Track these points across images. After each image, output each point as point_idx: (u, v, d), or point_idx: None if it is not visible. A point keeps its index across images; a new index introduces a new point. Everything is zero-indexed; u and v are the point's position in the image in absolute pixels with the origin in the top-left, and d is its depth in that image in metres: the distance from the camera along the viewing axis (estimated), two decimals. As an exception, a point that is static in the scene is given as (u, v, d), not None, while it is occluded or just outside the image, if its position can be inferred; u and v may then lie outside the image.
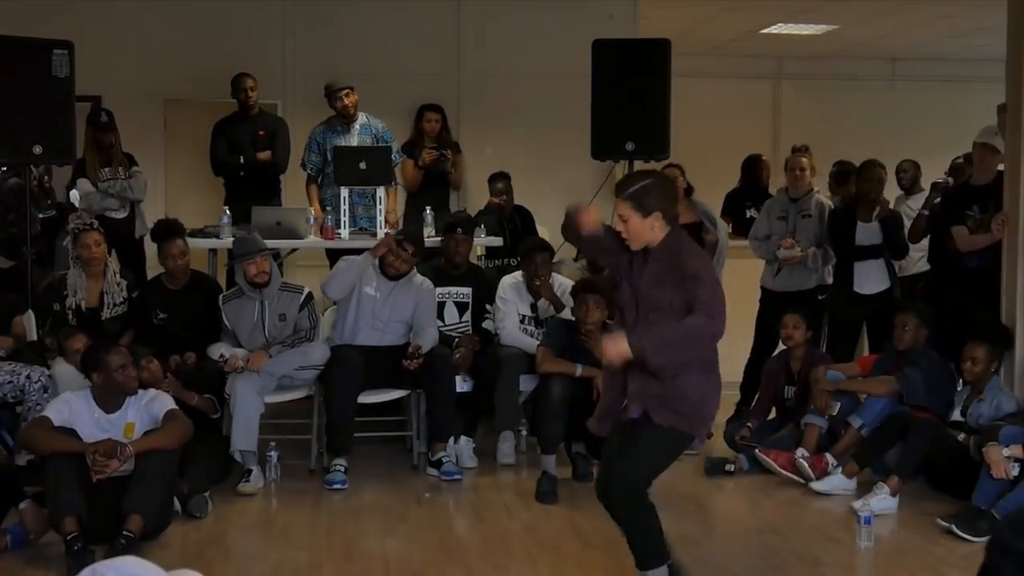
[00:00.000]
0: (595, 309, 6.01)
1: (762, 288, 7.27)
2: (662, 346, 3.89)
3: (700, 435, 4.17)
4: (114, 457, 4.81)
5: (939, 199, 7.13)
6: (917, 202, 7.98)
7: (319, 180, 7.79)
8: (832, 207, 7.22)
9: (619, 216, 4.01)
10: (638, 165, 7.37)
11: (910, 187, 8.21)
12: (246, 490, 5.82)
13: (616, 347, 3.88)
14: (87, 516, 4.72)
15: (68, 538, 4.65)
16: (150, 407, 5.14)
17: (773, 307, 7.02)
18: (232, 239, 6.97)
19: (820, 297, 7.12)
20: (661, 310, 3.95)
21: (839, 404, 6.16)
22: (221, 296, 6.42)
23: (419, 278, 6.49)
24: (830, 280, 7.15)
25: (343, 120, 7.70)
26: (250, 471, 5.88)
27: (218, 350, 6.07)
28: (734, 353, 7.38)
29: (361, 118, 7.75)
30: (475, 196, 8.58)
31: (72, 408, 5.04)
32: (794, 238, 7.01)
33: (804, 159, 7.15)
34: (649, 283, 3.99)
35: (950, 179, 7.48)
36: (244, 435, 5.88)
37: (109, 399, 5.09)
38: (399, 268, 6.33)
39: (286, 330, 6.24)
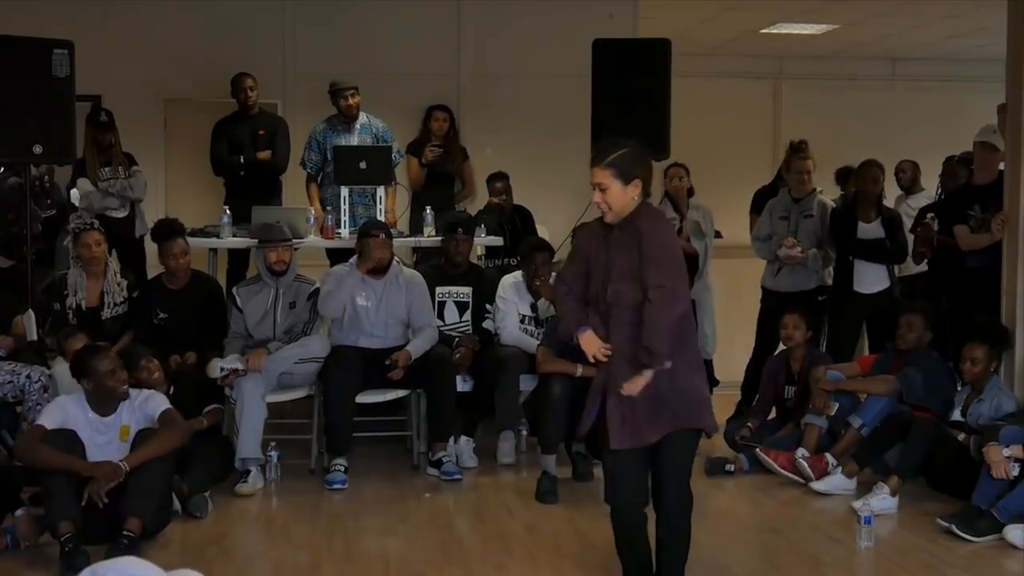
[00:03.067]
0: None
1: (763, 288, 7.28)
2: (651, 341, 3.86)
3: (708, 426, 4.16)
4: (114, 480, 4.81)
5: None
6: (917, 201, 7.99)
7: (319, 179, 7.80)
8: (833, 207, 7.23)
9: (597, 185, 3.95)
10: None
11: (909, 187, 8.22)
12: (244, 491, 5.82)
13: (636, 386, 3.90)
14: (83, 521, 4.72)
15: (62, 539, 4.65)
16: (144, 407, 5.14)
17: (774, 307, 7.02)
18: (232, 238, 7.02)
19: (821, 298, 7.12)
20: (624, 282, 3.91)
21: (837, 404, 6.17)
22: (237, 285, 6.52)
23: (407, 272, 6.49)
24: (831, 281, 7.15)
25: (344, 120, 7.70)
26: (248, 471, 5.89)
27: (217, 366, 6.04)
28: (735, 353, 7.40)
29: (362, 118, 7.75)
30: (478, 197, 8.57)
31: (67, 413, 5.03)
32: (795, 238, 7.02)
33: (808, 162, 7.15)
34: (613, 258, 3.95)
35: (935, 224, 7.36)
36: (250, 443, 5.90)
37: (103, 403, 5.09)
38: (384, 255, 6.31)
39: (294, 317, 6.29)
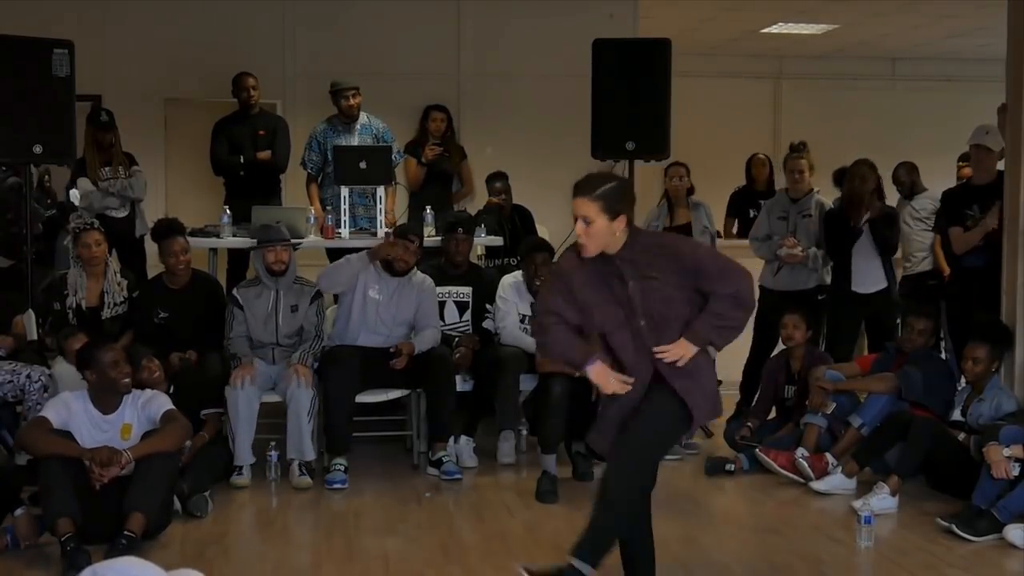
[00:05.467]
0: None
1: (761, 287, 7.26)
2: (720, 328, 3.95)
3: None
4: (113, 464, 4.81)
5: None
6: (921, 203, 7.95)
7: (319, 179, 7.79)
8: (829, 208, 7.23)
9: (583, 217, 3.83)
10: (638, 165, 7.38)
11: (910, 193, 8.16)
12: (239, 483, 5.87)
13: (684, 350, 3.90)
14: (83, 517, 4.72)
15: (63, 539, 4.65)
16: (147, 408, 5.14)
17: (773, 306, 7.02)
18: (232, 238, 7.02)
19: (820, 297, 7.12)
20: (670, 304, 3.93)
21: (835, 403, 6.17)
22: (237, 286, 6.52)
23: (419, 276, 6.51)
24: (829, 280, 7.16)
25: (345, 120, 7.70)
26: (242, 465, 5.95)
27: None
28: (734, 353, 7.39)
29: (362, 118, 7.75)
30: (477, 196, 8.58)
31: (71, 409, 5.04)
32: (795, 237, 7.02)
33: (802, 161, 7.16)
34: (641, 290, 3.91)
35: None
36: (247, 454, 5.96)
37: (105, 399, 5.09)
38: (407, 261, 6.35)
39: (296, 321, 6.29)
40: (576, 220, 3.87)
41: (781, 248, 7.01)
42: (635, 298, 3.92)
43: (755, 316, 7.21)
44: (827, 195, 7.65)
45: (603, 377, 3.95)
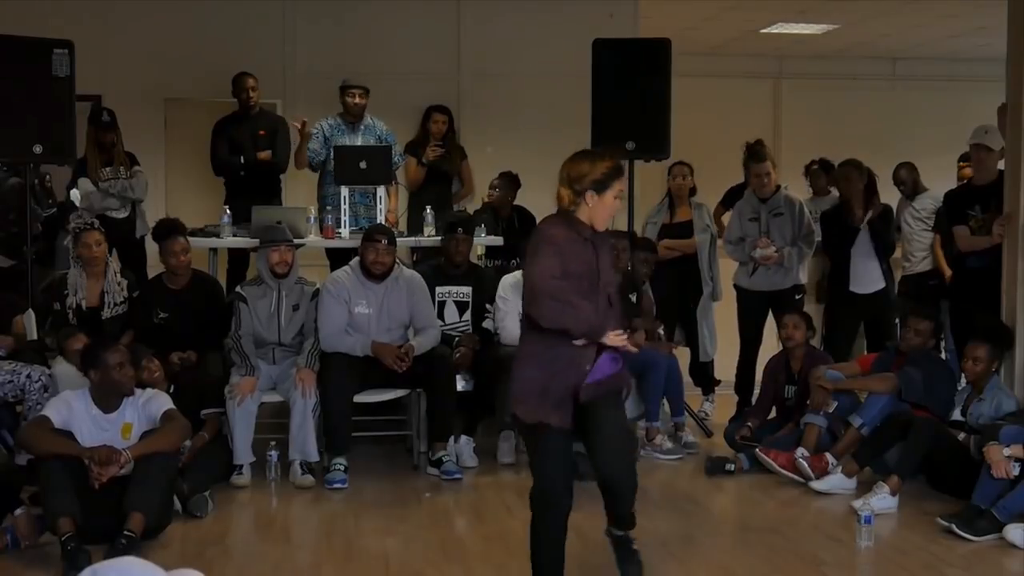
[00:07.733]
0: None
1: (737, 288, 7.26)
2: None
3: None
4: (112, 464, 4.81)
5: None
6: (921, 203, 7.95)
7: (321, 176, 7.78)
8: (803, 202, 7.22)
9: (620, 192, 4.04)
10: (638, 165, 7.38)
11: (911, 193, 8.15)
12: (240, 482, 5.89)
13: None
14: (83, 517, 4.72)
15: (63, 538, 4.65)
16: (147, 407, 5.15)
17: (750, 307, 7.07)
18: (232, 238, 7.01)
19: (797, 296, 7.11)
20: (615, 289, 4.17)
21: (836, 402, 6.17)
22: (240, 284, 6.53)
23: (407, 272, 6.49)
24: (804, 279, 7.15)
25: (350, 118, 7.70)
26: (242, 464, 5.96)
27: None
28: (729, 355, 7.40)
29: (367, 120, 7.76)
30: (476, 196, 8.57)
31: (72, 408, 5.05)
32: (768, 237, 7.00)
33: (767, 163, 7.11)
34: (607, 267, 4.10)
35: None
36: (245, 453, 5.99)
37: (107, 399, 5.10)
38: (383, 262, 6.30)
39: (297, 321, 6.31)
40: (613, 196, 4.01)
41: (755, 250, 7.00)
42: (603, 273, 4.06)
43: (736, 318, 7.31)
44: (800, 192, 7.70)
45: (620, 339, 4.03)
